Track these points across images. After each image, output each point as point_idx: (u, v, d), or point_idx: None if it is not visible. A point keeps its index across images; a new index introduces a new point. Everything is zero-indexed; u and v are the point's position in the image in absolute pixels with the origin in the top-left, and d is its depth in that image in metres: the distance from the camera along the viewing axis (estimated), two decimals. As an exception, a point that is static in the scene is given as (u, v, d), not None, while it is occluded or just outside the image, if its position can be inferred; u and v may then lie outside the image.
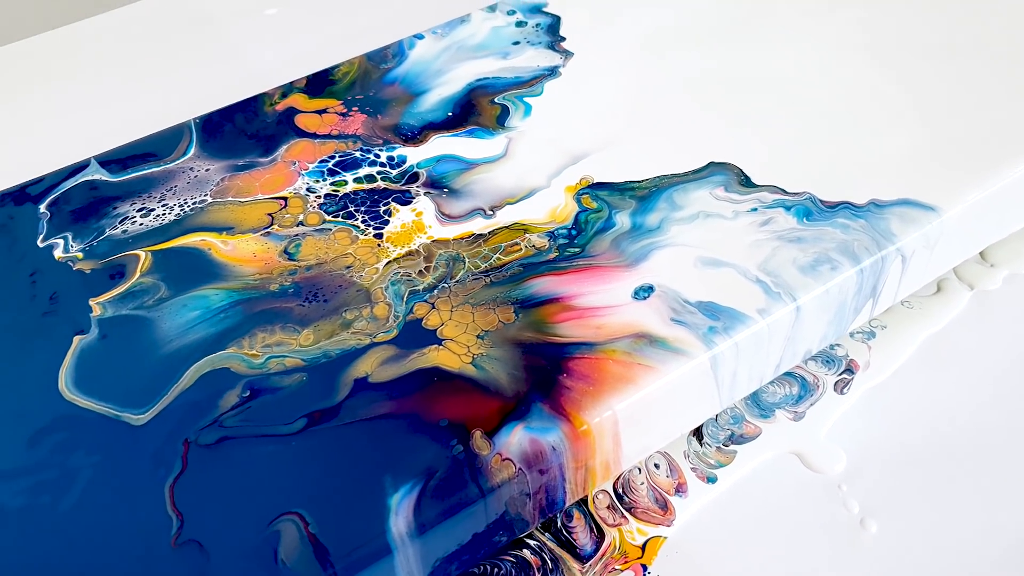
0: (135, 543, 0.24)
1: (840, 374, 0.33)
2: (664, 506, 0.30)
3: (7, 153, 0.46)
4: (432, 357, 0.28)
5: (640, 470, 0.31)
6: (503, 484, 0.25)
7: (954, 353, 0.33)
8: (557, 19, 0.43)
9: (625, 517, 0.29)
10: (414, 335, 0.29)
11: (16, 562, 0.24)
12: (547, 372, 0.27)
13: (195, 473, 0.26)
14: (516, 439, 0.26)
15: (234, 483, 0.25)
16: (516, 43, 0.42)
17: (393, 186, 0.35)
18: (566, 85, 0.39)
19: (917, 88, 0.36)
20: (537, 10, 0.44)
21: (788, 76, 0.38)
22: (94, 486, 0.26)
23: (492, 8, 0.44)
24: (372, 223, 0.33)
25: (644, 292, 0.30)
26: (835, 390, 0.32)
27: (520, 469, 0.25)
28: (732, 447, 0.31)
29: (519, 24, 0.43)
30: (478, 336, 0.29)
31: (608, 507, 0.30)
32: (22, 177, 0.38)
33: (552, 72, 0.40)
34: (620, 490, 0.30)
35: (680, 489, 0.30)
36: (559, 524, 0.29)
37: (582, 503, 0.30)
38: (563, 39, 0.42)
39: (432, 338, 0.29)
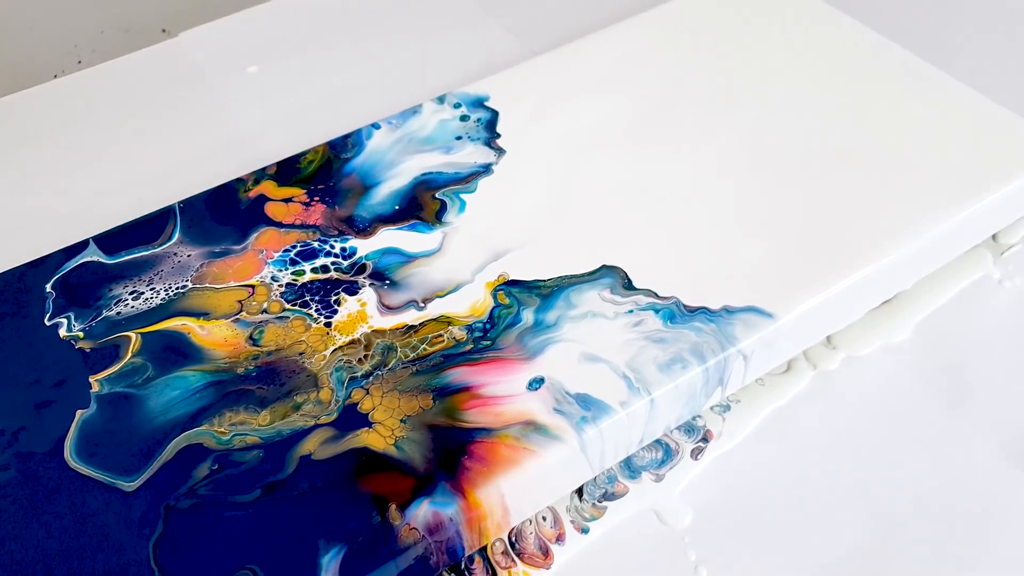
0: (128, 588, 0.32)
1: (697, 442, 0.41)
2: (546, 552, 0.37)
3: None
4: (363, 438, 0.36)
5: (530, 521, 0.38)
6: (410, 547, 0.33)
7: (793, 425, 0.41)
8: (495, 115, 0.50)
9: (514, 561, 0.37)
10: (350, 418, 0.36)
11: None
12: (452, 454, 0.35)
13: (173, 534, 0.33)
14: (422, 512, 0.33)
15: (204, 542, 0.33)
16: (459, 137, 0.49)
17: (344, 276, 0.42)
18: (497, 182, 0.46)
19: (779, 198, 0.43)
20: (479, 104, 0.51)
21: (680, 182, 0.45)
22: (94, 541, 0.33)
23: (441, 99, 0.51)
24: (324, 312, 0.41)
25: (536, 383, 0.37)
26: (691, 456, 0.40)
27: (424, 535, 0.33)
28: (604, 503, 0.39)
29: (463, 118, 0.50)
30: (401, 420, 0.36)
31: (503, 552, 0.38)
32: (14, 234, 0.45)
33: (486, 169, 0.47)
34: (513, 538, 0.38)
35: (560, 538, 0.38)
36: (462, 566, 0.37)
37: (482, 548, 0.38)
38: (499, 135, 0.49)
39: (364, 421, 0.36)
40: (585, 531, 0.38)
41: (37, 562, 0.33)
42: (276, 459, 0.35)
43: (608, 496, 0.39)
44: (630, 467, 0.40)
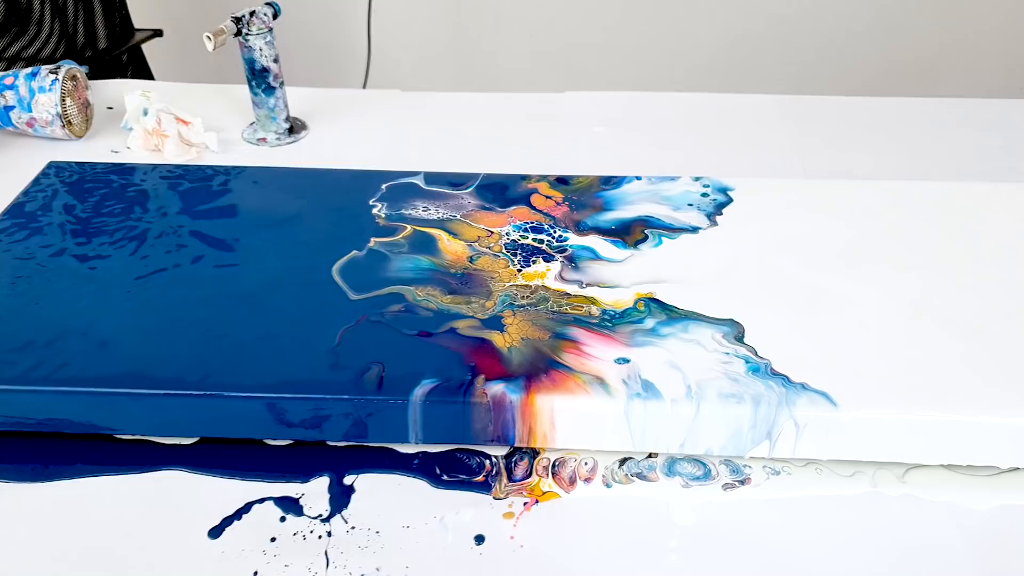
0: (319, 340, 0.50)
1: (735, 480, 0.47)
2: (572, 482, 0.48)
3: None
4: (493, 335, 0.50)
5: (575, 459, 0.49)
6: (475, 405, 0.46)
7: (822, 517, 0.46)
8: (729, 201, 0.61)
9: (548, 475, 0.48)
10: (494, 322, 0.51)
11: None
12: (537, 369, 0.47)
13: (356, 329, 0.50)
14: (497, 390, 0.46)
15: (366, 341, 0.49)
16: (690, 204, 0.61)
17: (548, 250, 0.57)
18: (694, 240, 0.58)
19: (913, 331, 0.49)
20: (723, 191, 0.63)
21: (835, 289, 0.52)
22: (318, 314, 0.52)
23: (697, 178, 0.64)
24: (521, 263, 0.56)
25: (622, 361, 0.48)
26: (723, 488, 0.47)
27: (489, 405, 0.46)
28: (635, 479, 0.48)
29: (703, 195, 0.62)
30: (521, 338, 0.50)
31: (544, 466, 0.48)
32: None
33: (694, 230, 0.59)
34: (556, 463, 0.49)
35: (588, 480, 0.48)
36: (513, 458, 0.49)
37: (533, 456, 0.49)
38: (720, 214, 0.60)
39: (500, 327, 0.50)
40: (608, 486, 0.47)
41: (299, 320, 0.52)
42: (438, 322, 0.51)
43: (641, 476, 0.48)
44: (670, 468, 0.49)
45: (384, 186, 0.64)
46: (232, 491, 0.48)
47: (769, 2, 1.64)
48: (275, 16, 0.76)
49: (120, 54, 1.37)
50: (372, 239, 0.58)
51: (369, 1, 1.61)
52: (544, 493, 0.47)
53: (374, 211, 0.61)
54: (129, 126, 0.78)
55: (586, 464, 0.49)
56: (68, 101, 0.77)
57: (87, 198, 0.64)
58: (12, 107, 0.76)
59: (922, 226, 0.59)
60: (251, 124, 0.81)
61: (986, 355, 0.48)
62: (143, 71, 1.44)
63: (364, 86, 1.67)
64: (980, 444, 0.46)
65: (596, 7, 1.68)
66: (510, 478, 0.48)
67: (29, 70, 0.77)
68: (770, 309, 0.52)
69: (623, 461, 0.49)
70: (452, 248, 0.57)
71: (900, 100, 0.85)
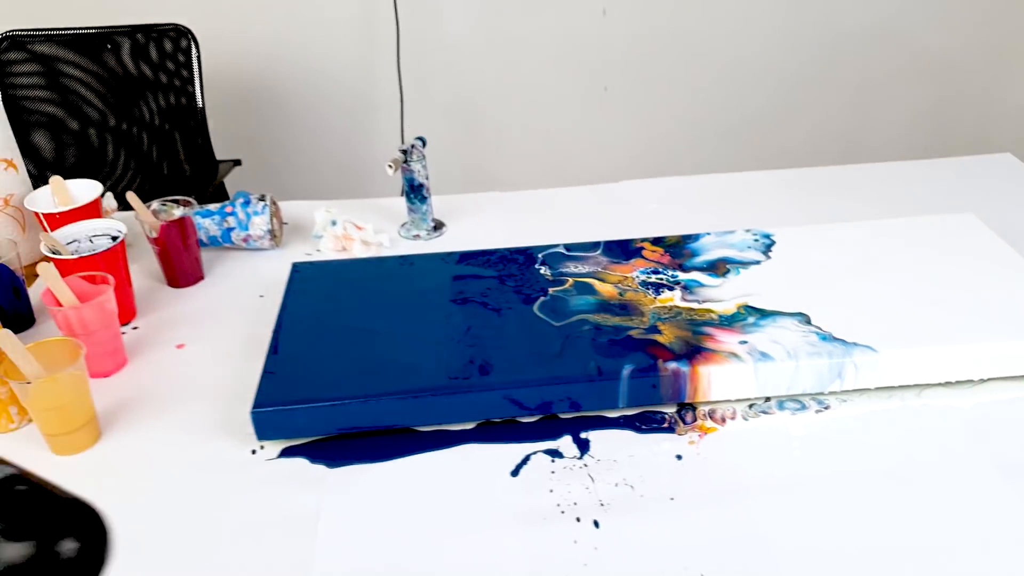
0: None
1: (820, 409, 0.77)
2: (724, 420, 0.76)
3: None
4: (657, 337, 0.79)
5: (722, 407, 0.77)
6: (662, 376, 0.75)
7: (876, 422, 0.75)
8: (773, 243, 0.92)
9: (707, 418, 0.76)
10: (652, 330, 0.80)
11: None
12: (693, 353, 0.76)
13: (568, 343, 0.79)
14: (672, 366, 0.75)
15: (581, 351, 0.78)
16: (749, 247, 0.92)
17: (668, 283, 0.87)
18: (760, 269, 0.88)
19: (913, 311, 0.80)
20: (767, 236, 0.94)
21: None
22: (535, 336, 0.80)
23: (748, 230, 0.95)
24: (653, 293, 0.85)
25: (743, 343, 0.77)
26: (815, 412, 0.76)
27: (670, 375, 0.75)
28: (760, 415, 0.76)
29: (755, 239, 0.93)
30: (675, 337, 0.79)
31: (703, 413, 0.77)
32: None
33: (757, 263, 0.89)
34: (710, 411, 0.77)
35: (732, 418, 0.76)
36: (681, 412, 0.77)
37: (693, 409, 0.77)
38: (770, 251, 0.91)
39: (658, 332, 0.79)
40: (746, 419, 0.76)
41: (506, 334, 0.80)
42: (617, 333, 0.80)
43: (765, 412, 0.77)
44: (780, 405, 0.77)
45: (540, 255, 0.93)
46: (513, 451, 0.75)
47: (752, 96, 2.01)
48: (424, 145, 1.05)
49: (207, 186, 1.64)
50: (550, 289, 0.87)
51: (401, 119, 1.93)
52: (708, 428, 0.76)
53: (541, 271, 0.90)
54: (320, 234, 1.06)
55: (729, 410, 0.77)
56: (274, 220, 1.05)
57: (344, 281, 0.91)
58: (233, 228, 1.04)
59: (896, 245, 0.90)
60: (403, 225, 1.10)
61: (954, 317, 0.79)
62: (223, 195, 1.71)
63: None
64: (960, 366, 0.76)
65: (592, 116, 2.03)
66: (683, 423, 0.76)
67: (240, 200, 1.04)
68: (819, 302, 0.82)
69: (751, 405, 0.78)
70: (605, 289, 0.86)
71: (855, 167, 1.19)
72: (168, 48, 1.59)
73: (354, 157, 2.05)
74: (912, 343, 0.76)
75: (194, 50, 1.59)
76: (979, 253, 0.88)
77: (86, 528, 0.26)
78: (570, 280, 0.89)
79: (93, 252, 0.90)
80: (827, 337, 0.77)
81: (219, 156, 1.69)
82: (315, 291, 0.90)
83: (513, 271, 0.91)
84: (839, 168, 1.19)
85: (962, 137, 2.06)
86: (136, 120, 1.63)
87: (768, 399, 0.78)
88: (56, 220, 0.97)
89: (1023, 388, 0.77)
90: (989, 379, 0.78)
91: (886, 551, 0.64)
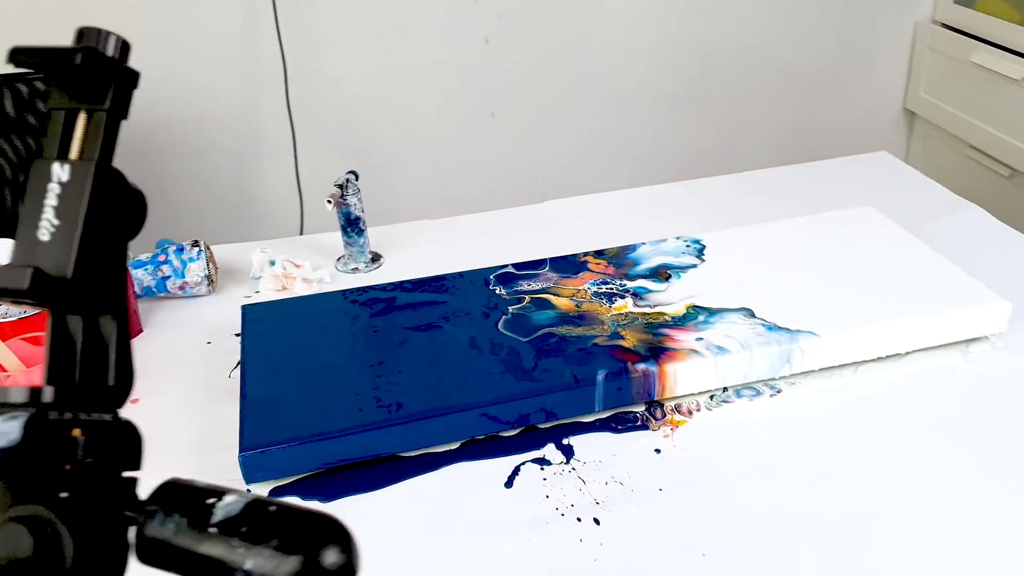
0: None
1: (773, 395, 0.84)
2: (690, 412, 0.82)
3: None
4: (620, 342, 0.83)
5: (685, 401, 0.83)
6: (632, 378, 0.79)
7: (813, 406, 0.83)
8: (704, 247, 1.00)
9: (674, 412, 0.82)
10: (615, 335, 0.84)
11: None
12: (657, 351, 0.82)
13: (538, 354, 0.82)
14: (641, 367, 0.80)
15: (554, 362, 0.81)
16: (683, 252, 0.99)
17: (619, 292, 0.92)
18: (698, 271, 0.95)
19: (845, 292, 0.88)
20: (697, 242, 1.01)
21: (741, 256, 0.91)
22: (504, 355, 0.83)
23: (679, 237, 1.02)
24: (607, 302, 0.90)
25: (699, 339, 0.83)
26: (770, 396, 0.83)
27: (641, 374, 0.79)
28: (721, 404, 0.82)
29: (687, 245, 1.00)
30: (638, 341, 0.84)
31: (671, 408, 0.82)
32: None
33: (695, 266, 0.96)
34: (676, 405, 0.82)
35: (697, 410, 0.82)
36: (650, 409, 0.82)
37: (660, 406, 0.82)
38: (703, 254, 0.98)
39: (620, 338, 0.84)
40: (710, 409, 0.82)
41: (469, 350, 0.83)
42: (583, 343, 0.84)
43: (726, 401, 0.83)
44: (738, 393, 0.84)
45: (491, 276, 0.96)
46: (502, 464, 0.77)
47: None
48: (356, 179, 1.07)
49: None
50: (509, 308, 0.90)
51: (295, 157, 1.91)
52: (678, 422, 0.81)
53: (496, 291, 0.93)
54: (258, 275, 1.05)
55: (693, 403, 0.83)
56: (210, 265, 1.03)
57: (297, 318, 0.91)
58: (168, 276, 1.01)
59: (811, 239, 0.99)
60: (339, 259, 1.10)
61: (876, 299, 0.88)
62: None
63: (301, 232, 1.95)
64: (889, 341, 0.85)
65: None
66: (655, 419, 0.81)
67: (172, 247, 1.02)
68: (757, 297, 0.89)
69: (712, 396, 0.84)
70: (561, 303, 0.91)
71: (758, 173, 1.29)
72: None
73: (248, 198, 2.01)
74: (847, 325, 0.84)
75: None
76: (885, 240, 0.98)
77: (340, 539, 0.27)
78: (526, 298, 0.92)
79: (25, 314, 0.86)
80: (772, 327, 0.84)
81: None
82: (271, 332, 0.90)
83: (468, 294, 0.94)
84: (736, 176, 1.29)
85: (822, 141, 2.25)
86: (15, 174, 1.55)
87: (726, 389, 0.84)
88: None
89: (943, 356, 0.87)
90: (913, 351, 0.87)
91: (852, 510, 0.70)
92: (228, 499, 0.30)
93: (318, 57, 1.89)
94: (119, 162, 0.35)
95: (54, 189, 0.30)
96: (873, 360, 0.87)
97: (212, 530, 0.29)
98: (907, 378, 0.85)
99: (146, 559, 0.31)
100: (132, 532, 0.32)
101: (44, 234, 0.30)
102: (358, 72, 1.94)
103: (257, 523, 0.29)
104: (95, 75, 0.31)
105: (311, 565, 0.27)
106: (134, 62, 0.34)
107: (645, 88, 2.09)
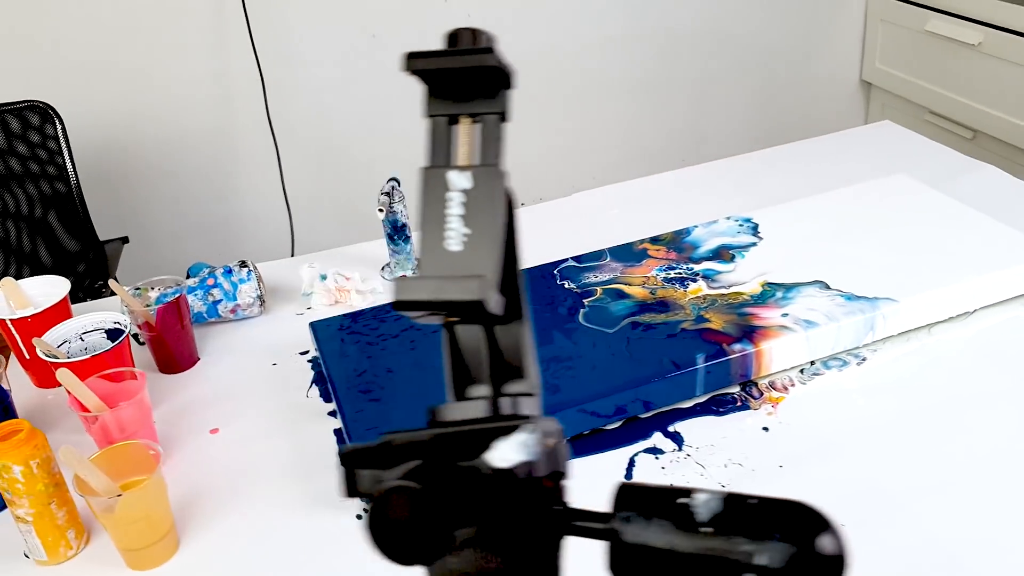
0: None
1: (860, 363, 0.85)
2: (785, 388, 0.83)
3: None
4: (708, 325, 0.84)
5: (779, 378, 0.84)
6: (732, 359, 0.80)
7: (906, 361, 0.85)
8: (757, 224, 1.01)
9: (770, 389, 0.83)
10: (700, 319, 0.85)
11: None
12: (746, 332, 0.82)
13: (633, 346, 0.82)
14: (737, 348, 0.81)
15: (649, 350, 0.82)
16: (738, 232, 1.00)
17: (688, 276, 0.92)
18: (761, 247, 0.96)
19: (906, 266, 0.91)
20: (749, 220, 1.02)
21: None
22: (601, 344, 0.83)
23: (729, 217, 1.03)
24: (681, 287, 0.91)
25: (785, 315, 0.85)
26: (856, 364, 0.85)
27: (737, 356, 0.80)
28: (812, 376, 0.84)
29: (740, 224, 1.01)
30: (724, 322, 0.84)
31: (767, 385, 0.83)
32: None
33: (755, 244, 0.97)
34: (771, 383, 0.83)
35: (793, 385, 0.83)
36: (746, 389, 0.83)
37: (755, 384, 0.83)
38: (759, 231, 0.99)
39: (706, 319, 0.85)
40: (804, 383, 0.83)
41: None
42: (672, 328, 0.84)
43: (816, 374, 0.84)
44: (826, 365, 0.85)
45: (555, 271, 0.96)
46: (615, 457, 0.77)
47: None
48: (399, 185, 1.05)
49: (97, 269, 1.52)
50: (584, 300, 0.90)
51: (281, 176, 1.87)
52: (777, 399, 0.82)
53: (565, 286, 0.93)
54: (309, 291, 1.02)
55: (785, 378, 0.84)
56: (261, 285, 1.00)
57: (367, 330, 0.89)
58: (219, 300, 0.98)
59: (857, 209, 1.02)
60: (384, 267, 1.08)
61: (935, 262, 0.90)
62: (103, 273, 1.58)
63: (292, 252, 1.90)
64: (959, 301, 0.88)
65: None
66: (754, 398, 0.82)
67: (220, 270, 0.98)
68: (826, 268, 0.91)
69: (802, 370, 0.85)
70: (635, 291, 0.91)
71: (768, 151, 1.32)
72: (32, 127, 1.45)
73: (239, 216, 1.96)
74: (921, 288, 0.87)
75: (59, 127, 1.46)
76: (927, 205, 1.01)
77: (827, 526, 0.27)
78: (598, 290, 0.92)
79: (97, 351, 0.82)
80: (851, 297, 0.86)
81: (102, 236, 1.56)
82: (345, 346, 0.88)
83: (539, 290, 0.93)
84: (744, 156, 1.31)
85: (786, 118, 2.30)
86: (2, 209, 1.47)
87: (813, 363, 0.86)
88: (28, 324, 0.87)
89: (1009, 310, 0.90)
90: (980, 308, 0.90)
91: (973, 464, 0.73)
92: (702, 496, 0.30)
93: (293, 67, 1.85)
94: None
95: (456, 198, 0.29)
96: (944, 321, 0.89)
97: (706, 529, 0.29)
98: (979, 335, 0.88)
99: (620, 568, 0.30)
100: (568, 541, 0.31)
101: (453, 244, 0.28)
102: (335, 79, 1.90)
103: (745, 517, 0.28)
104: (489, 78, 0.30)
105: (809, 554, 0.27)
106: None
107: (612, 78, 2.11)
